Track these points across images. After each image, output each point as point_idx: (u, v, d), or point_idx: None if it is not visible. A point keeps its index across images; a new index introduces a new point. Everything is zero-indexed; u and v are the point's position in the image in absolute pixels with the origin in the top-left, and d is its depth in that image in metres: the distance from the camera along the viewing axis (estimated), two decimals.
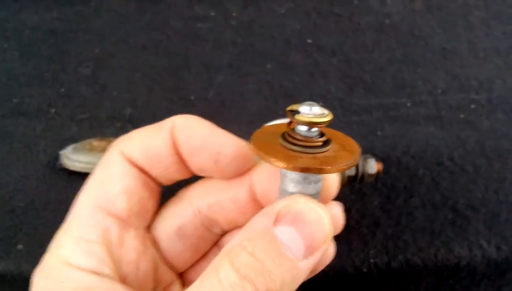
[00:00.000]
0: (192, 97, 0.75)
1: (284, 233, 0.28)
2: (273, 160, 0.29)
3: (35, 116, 0.72)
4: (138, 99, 0.75)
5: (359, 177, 0.55)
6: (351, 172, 0.55)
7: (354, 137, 0.62)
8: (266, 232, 0.28)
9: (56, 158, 0.64)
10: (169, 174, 0.34)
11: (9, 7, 0.90)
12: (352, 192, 0.60)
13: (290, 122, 0.32)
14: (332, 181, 0.35)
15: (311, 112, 0.30)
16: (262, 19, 0.86)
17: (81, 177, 0.62)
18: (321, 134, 0.31)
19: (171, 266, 0.37)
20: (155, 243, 0.36)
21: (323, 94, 0.74)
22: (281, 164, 0.29)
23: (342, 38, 0.83)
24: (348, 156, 0.30)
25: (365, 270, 0.54)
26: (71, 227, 0.32)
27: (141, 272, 0.34)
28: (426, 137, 0.67)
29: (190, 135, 0.33)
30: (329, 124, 0.31)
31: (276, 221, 0.28)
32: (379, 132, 0.68)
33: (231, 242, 0.29)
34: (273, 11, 0.87)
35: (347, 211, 0.59)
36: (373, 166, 0.55)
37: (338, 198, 0.59)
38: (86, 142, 0.63)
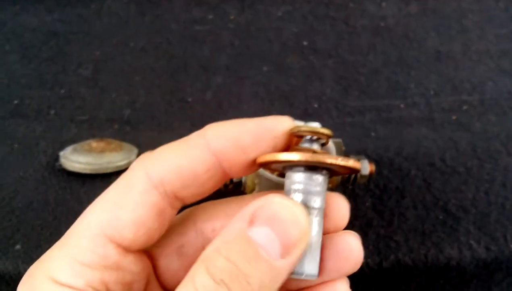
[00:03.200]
0: (190, 99, 0.76)
1: (259, 233, 0.28)
2: (277, 155, 0.30)
3: (35, 117, 0.73)
4: (136, 101, 0.76)
5: (351, 178, 0.56)
6: None
7: (347, 138, 0.64)
8: (241, 234, 0.28)
9: (56, 158, 0.65)
10: (202, 190, 0.33)
11: (9, 9, 0.91)
12: (344, 193, 0.61)
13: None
14: (342, 205, 0.33)
15: (313, 125, 0.31)
16: (259, 22, 0.86)
17: (80, 177, 0.63)
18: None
19: (163, 284, 0.36)
20: (151, 260, 0.35)
21: (318, 96, 0.75)
22: (285, 156, 0.29)
23: (337, 41, 0.84)
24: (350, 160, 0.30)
25: (356, 270, 0.55)
26: (67, 244, 0.31)
27: None
28: (418, 139, 0.68)
29: (236, 136, 0.31)
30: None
31: (251, 222, 0.28)
32: (372, 134, 0.69)
33: (207, 249, 0.29)
34: (270, 14, 0.87)
35: None
36: (366, 167, 0.56)
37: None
38: (85, 143, 0.64)
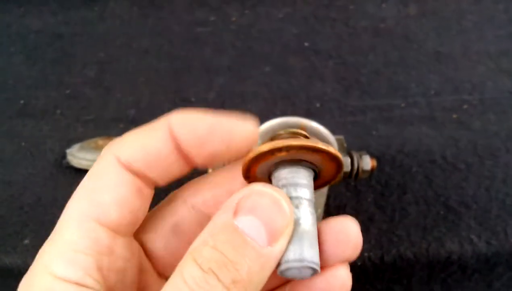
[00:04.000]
0: (193, 99, 0.76)
1: (245, 222, 0.28)
2: (261, 147, 0.30)
3: (41, 117, 0.74)
4: (141, 101, 0.76)
5: (354, 173, 0.57)
6: (347, 168, 0.56)
7: (349, 137, 0.64)
8: (226, 224, 0.28)
9: (63, 156, 0.66)
10: (169, 172, 0.33)
11: (14, 12, 0.92)
12: (347, 189, 0.62)
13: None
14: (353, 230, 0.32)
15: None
16: (261, 24, 0.87)
17: None
18: None
19: (161, 271, 0.36)
20: (144, 246, 0.35)
21: (320, 96, 0.76)
22: (267, 146, 0.30)
23: (338, 42, 0.84)
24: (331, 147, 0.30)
25: (359, 264, 0.55)
26: (58, 236, 0.31)
27: (128, 280, 0.33)
28: (419, 137, 0.69)
29: (195, 126, 0.31)
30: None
31: (236, 212, 0.28)
32: (374, 132, 0.70)
33: (195, 242, 0.28)
34: (271, 15, 0.88)
35: (343, 207, 0.60)
36: (367, 162, 0.57)
37: (333, 195, 0.61)
38: (92, 141, 0.65)
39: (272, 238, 0.28)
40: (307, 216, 0.30)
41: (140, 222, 0.33)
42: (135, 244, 0.34)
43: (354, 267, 0.55)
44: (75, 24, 0.88)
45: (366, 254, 0.55)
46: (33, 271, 0.30)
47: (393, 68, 0.80)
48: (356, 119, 0.72)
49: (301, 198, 0.31)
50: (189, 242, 0.35)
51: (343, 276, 0.32)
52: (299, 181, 0.31)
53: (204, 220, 0.35)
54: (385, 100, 0.75)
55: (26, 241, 0.56)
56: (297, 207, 0.30)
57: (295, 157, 0.31)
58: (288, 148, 0.30)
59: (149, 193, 0.33)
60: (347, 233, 0.31)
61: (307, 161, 0.31)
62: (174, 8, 0.89)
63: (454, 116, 0.72)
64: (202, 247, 0.28)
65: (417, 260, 0.56)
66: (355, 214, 0.59)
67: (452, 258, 0.56)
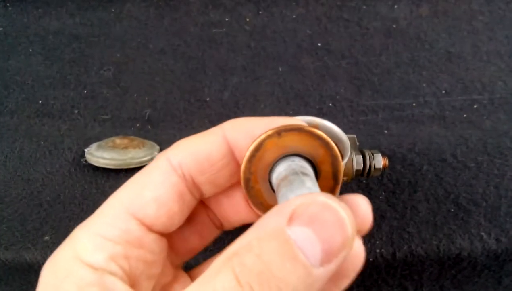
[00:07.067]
0: (208, 99, 0.77)
1: (299, 234, 0.24)
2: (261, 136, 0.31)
3: (59, 116, 0.75)
4: (157, 101, 0.78)
5: (366, 171, 0.58)
6: (359, 166, 0.57)
7: (361, 136, 0.65)
8: (278, 232, 0.24)
9: (81, 155, 0.67)
10: (217, 178, 0.33)
11: (32, 13, 0.93)
12: (359, 187, 0.63)
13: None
14: (364, 206, 0.31)
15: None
16: (275, 24, 0.88)
17: (105, 172, 0.65)
18: None
19: (174, 259, 0.37)
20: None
21: (333, 96, 0.77)
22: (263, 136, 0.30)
23: (351, 42, 0.85)
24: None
25: (371, 260, 0.56)
26: (91, 222, 0.32)
27: (154, 272, 0.33)
28: (430, 136, 0.69)
29: (249, 130, 0.32)
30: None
31: (291, 220, 0.24)
32: (385, 131, 0.71)
33: (236, 243, 0.26)
34: (284, 16, 0.88)
35: None
36: (379, 161, 0.58)
37: (345, 193, 0.62)
38: (109, 140, 0.67)
39: (327, 258, 0.24)
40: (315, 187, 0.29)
41: (175, 226, 0.34)
42: (164, 243, 0.34)
43: (366, 263, 0.55)
44: (92, 25, 0.89)
45: (378, 250, 0.56)
46: (60, 253, 0.31)
47: (404, 68, 0.81)
48: (368, 119, 0.73)
49: (301, 173, 0.30)
50: (198, 233, 0.37)
51: (355, 247, 0.30)
52: (298, 166, 0.30)
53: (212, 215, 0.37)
54: (396, 100, 0.76)
55: (46, 237, 0.57)
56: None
57: (287, 148, 0.31)
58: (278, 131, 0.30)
59: (190, 202, 0.34)
60: (357, 205, 0.31)
61: (302, 156, 0.32)
62: (190, 9, 0.90)
63: (464, 115, 0.72)
64: (245, 253, 0.25)
65: (428, 257, 0.56)
66: None
67: (462, 254, 0.56)
